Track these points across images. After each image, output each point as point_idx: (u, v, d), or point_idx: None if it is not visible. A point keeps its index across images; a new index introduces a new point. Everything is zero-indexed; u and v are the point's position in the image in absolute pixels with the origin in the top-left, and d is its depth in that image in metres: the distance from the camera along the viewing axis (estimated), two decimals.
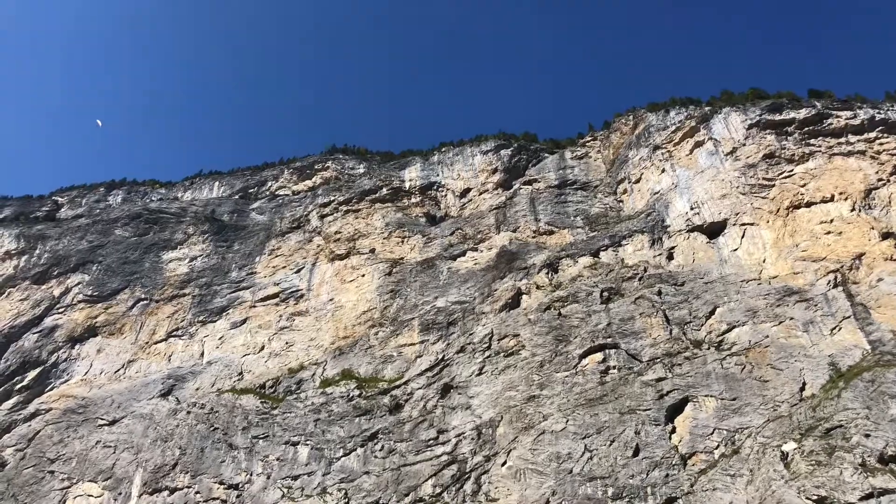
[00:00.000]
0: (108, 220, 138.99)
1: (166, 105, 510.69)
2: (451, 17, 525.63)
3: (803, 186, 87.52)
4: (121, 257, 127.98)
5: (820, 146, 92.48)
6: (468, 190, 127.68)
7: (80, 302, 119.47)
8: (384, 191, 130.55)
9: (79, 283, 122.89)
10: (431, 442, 78.76)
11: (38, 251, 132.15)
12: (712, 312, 79.93)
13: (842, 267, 76.30)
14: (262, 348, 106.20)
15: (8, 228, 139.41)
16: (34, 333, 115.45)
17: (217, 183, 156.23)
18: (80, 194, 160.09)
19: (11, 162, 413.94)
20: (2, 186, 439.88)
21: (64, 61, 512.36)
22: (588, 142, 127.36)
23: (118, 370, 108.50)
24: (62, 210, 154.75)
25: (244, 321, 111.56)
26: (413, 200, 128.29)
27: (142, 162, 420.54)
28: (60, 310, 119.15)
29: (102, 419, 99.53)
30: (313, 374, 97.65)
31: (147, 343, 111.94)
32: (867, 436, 55.57)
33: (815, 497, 53.03)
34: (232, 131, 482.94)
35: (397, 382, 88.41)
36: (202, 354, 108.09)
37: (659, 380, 73.61)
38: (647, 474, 65.28)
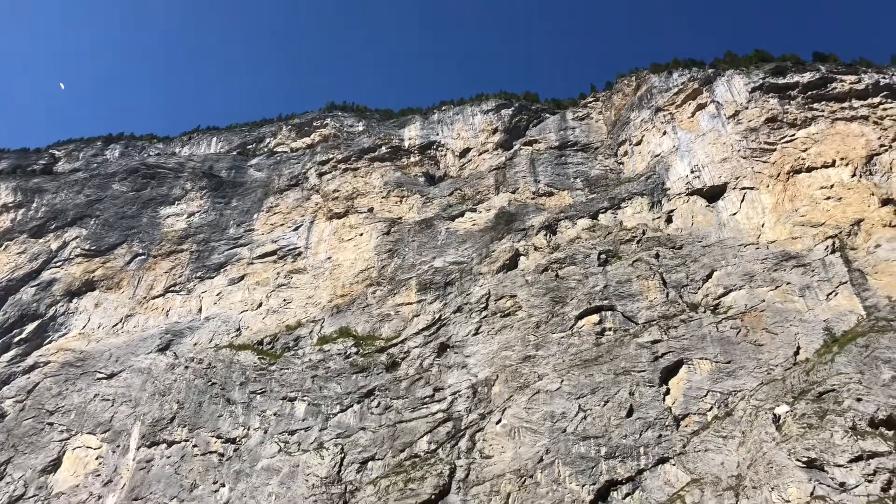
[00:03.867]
0: (106, 175, 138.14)
1: (164, 58, 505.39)
2: None
3: (805, 151, 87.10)
4: (118, 212, 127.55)
5: (823, 111, 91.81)
6: (468, 150, 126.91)
7: (77, 256, 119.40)
8: (383, 149, 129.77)
9: (76, 238, 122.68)
10: (427, 399, 79.38)
11: (35, 204, 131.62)
12: (709, 276, 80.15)
13: (840, 233, 76.36)
14: (260, 305, 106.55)
15: (4, 181, 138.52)
16: (32, 287, 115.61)
17: (215, 139, 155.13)
18: (78, 148, 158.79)
19: (8, 114, 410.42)
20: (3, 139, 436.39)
21: (63, 11, 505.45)
22: (590, 102, 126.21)
23: (116, 324, 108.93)
24: (59, 163, 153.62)
25: (242, 278, 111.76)
26: (412, 160, 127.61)
27: (139, 116, 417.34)
28: (58, 263, 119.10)
29: (100, 373, 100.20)
30: (311, 332, 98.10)
31: (145, 298, 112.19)
32: (859, 400, 56.03)
33: (804, 459, 53.57)
34: (229, 86, 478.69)
35: (394, 341, 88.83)
36: (200, 310, 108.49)
37: (654, 342, 74.00)
38: (640, 434, 65.97)
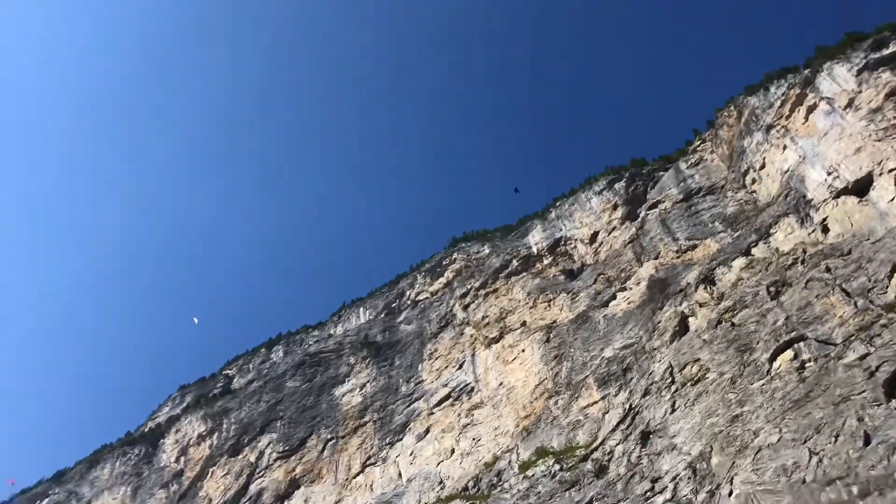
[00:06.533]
0: (277, 377, 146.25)
1: (295, 248, 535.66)
2: (516, 80, 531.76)
3: None
4: (298, 407, 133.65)
5: None
6: (596, 233, 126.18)
7: (275, 461, 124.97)
8: (514, 263, 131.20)
9: (269, 443, 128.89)
10: (648, 493, 75.57)
11: (224, 426, 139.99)
12: (894, 270, 74.19)
13: None
14: (453, 452, 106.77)
15: (194, 413, 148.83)
16: (245, 502, 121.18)
17: (362, 308, 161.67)
18: (246, 361, 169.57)
19: (178, 348, 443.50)
20: (182, 375, 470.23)
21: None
22: (698, 146, 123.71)
23: None
24: (235, 381, 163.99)
25: (427, 431, 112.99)
26: (545, 262, 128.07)
27: (291, 313, 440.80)
28: (260, 473, 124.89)
29: None
30: (509, 462, 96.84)
31: (346, 480, 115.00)
32: None
33: None
34: (362, 257, 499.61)
35: (594, 445, 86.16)
36: (400, 475, 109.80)
37: (862, 357, 68.17)
38: (889, 460, 59.93)
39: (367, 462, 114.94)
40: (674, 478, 74.69)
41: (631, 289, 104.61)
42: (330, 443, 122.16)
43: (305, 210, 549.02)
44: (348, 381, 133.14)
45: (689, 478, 73.42)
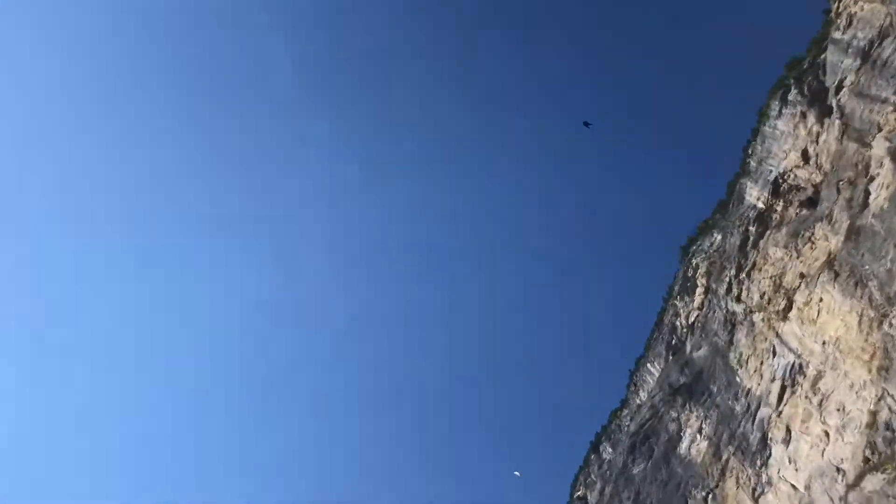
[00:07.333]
0: (621, 471, 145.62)
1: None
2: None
3: None
4: (658, 485, 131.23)
5: None
6: (805, 151, 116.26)
7: None
8: (751, 229, 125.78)
9: None
10: None
11: None
12: None
13: None
14: (827, 435, 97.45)
15: None
16: None
17: (648, 364, 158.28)
18: (585, 475, 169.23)
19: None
20: None
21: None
22: (839, 8, 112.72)
23: None
24: (590, 498, 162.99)
25: (788, 431, 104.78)
26: (779, 208, 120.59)
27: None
28: None
29: None
30: (889, 408, 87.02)
31: None
32: None
33: None
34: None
35: None
36: (794, 487, 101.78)
37: None
38: None
39: (756, 494, 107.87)
40: None
41: (878, 174, 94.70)
42: (709, 499, 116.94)
43: None
44: (684, 434, 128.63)
45: None
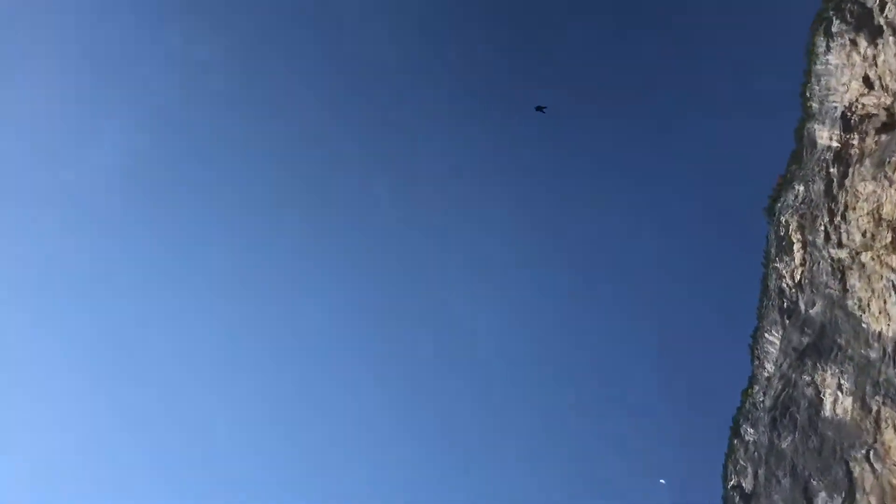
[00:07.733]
0: (768, 448, 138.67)
1: None
2: None
3: None
4: (811, 454, 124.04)
5: None
6: (866, 77, 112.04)
7: None
8: (832, 171, 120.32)
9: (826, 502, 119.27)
10: None
11: None
12: None
13: None
14: None
15: None
16: None
17: (766, 335, 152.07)
18: (733, 462, 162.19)
19: None
20: None
21: None
22: None
23: None
24: (744, 485, 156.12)
25: None
26: (856, 142, 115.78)
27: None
28: None
29: None
30: None
31: None
32: None
33: None
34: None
35: None
36: None
37: None
38: None
39: None
40: None
41: None
42: (871, 455, 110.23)
43: None
44: (824, 395, 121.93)
45: None
